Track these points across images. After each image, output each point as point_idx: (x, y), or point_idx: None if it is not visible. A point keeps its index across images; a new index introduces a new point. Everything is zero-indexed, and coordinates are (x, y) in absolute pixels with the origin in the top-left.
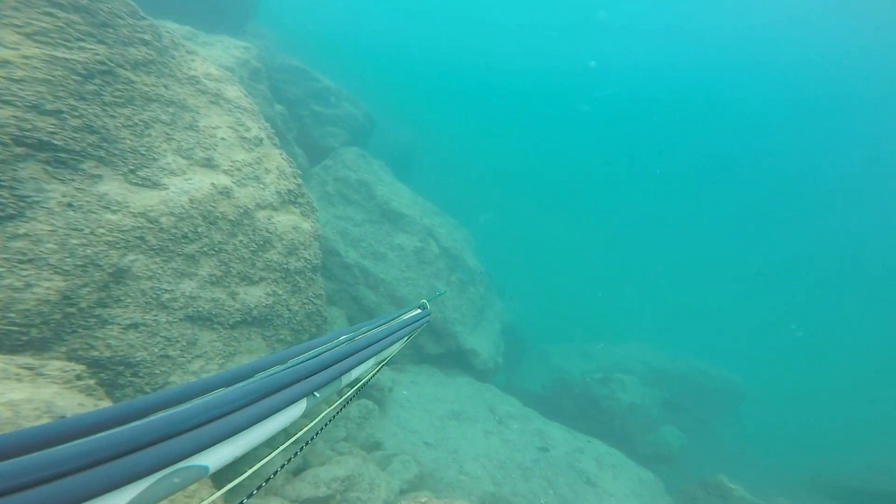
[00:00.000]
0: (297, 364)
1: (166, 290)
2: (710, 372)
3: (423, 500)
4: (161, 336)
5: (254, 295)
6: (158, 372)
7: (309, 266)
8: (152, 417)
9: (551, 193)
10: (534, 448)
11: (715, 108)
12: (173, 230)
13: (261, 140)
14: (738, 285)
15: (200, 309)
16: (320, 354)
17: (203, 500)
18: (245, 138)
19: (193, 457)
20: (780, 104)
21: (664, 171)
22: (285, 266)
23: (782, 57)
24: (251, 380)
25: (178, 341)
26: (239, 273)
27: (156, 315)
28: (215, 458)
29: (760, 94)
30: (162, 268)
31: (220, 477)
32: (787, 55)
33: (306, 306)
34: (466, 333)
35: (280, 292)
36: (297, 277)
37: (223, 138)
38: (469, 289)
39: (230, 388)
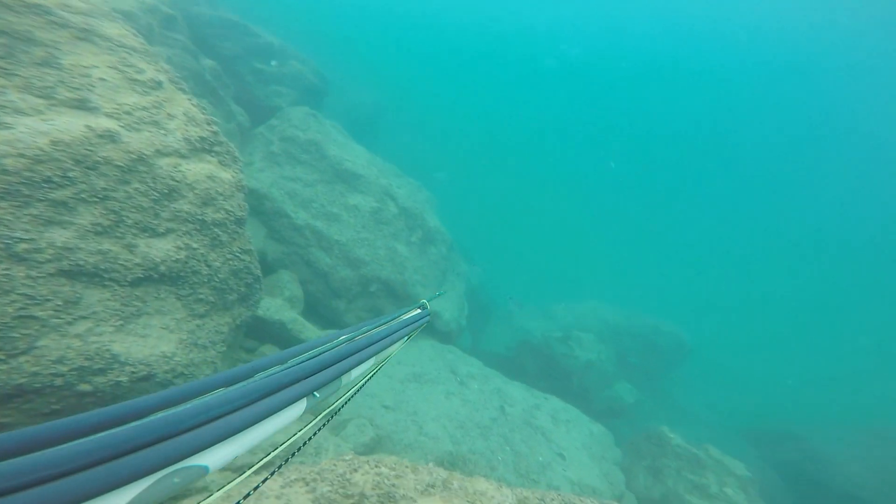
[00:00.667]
0: (297, 364)
1: (22, 240)
2: (661, 327)
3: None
4: (18, 294)
5: (160, 248)
6: (18, 335)
7: (231, 218)
8: (152, 417)
9: (518, 154)
10: (493, 407)
11: (677, 72)
12: (27, 173)
13: (160, 83)
14: (696, 247)
15: (82, 263)
16: (320, 354)
17: (203, 500)
18: (137, 80)
19: (193, 457)
20: (742, 72)
21: (628, 133)
22: (200, 217)
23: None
24: (251, 380)
25: (48, 300)
26: (137, 223)
27: (6, 268)
28: (215, 458)
29: (724, 58)
30: (13, 214)
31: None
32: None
33: (231, 262)
34: (428, 294)
35: (195, 246)
36: (216, 230)
37: (103, 79)
38: (431, 249)
39: (230, 388)
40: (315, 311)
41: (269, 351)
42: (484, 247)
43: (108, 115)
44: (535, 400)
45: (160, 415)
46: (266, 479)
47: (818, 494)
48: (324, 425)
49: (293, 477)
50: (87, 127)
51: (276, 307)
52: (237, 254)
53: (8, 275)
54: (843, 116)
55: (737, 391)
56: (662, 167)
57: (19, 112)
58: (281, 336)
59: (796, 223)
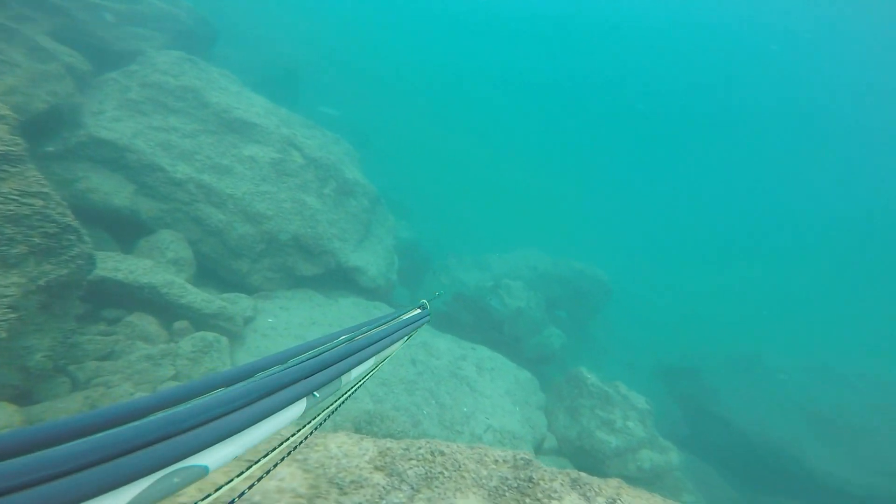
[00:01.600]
0: (297, 364)
1: None
2: (585, 271)
3: None
4: None
5: None
6: None
7: None
8: (152, 417)
9: (454, 108)
10: (418, 362)
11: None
12: None
13: None
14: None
15: None
16: (320, 354)
17: (203, 500)
18: None
19: (193, 457)
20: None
21: (562, 81)
22: None
23: None
24: (251, 380)
25: None
26: None
27: None
28: (215, 458)
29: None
30: None
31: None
32: None
33: (5, 207)
34: (349, 250)
35: None
36: None
37: None
38: (349, 202)
39: (230, 388)
40: (214, 273)
41: (140, 320)
42: (423, 203)
43: None
44: (462, 351)
45: (160, 415)
46: (261, 477)
47: (706, 421)
48: (321, 424)
49: None
50: None
51: (144, 269)
52: (14, 197)
53: None
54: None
55: (653, 331)
56: (594, 116)
57: None
58: (154, 302)
59: (710, 167)
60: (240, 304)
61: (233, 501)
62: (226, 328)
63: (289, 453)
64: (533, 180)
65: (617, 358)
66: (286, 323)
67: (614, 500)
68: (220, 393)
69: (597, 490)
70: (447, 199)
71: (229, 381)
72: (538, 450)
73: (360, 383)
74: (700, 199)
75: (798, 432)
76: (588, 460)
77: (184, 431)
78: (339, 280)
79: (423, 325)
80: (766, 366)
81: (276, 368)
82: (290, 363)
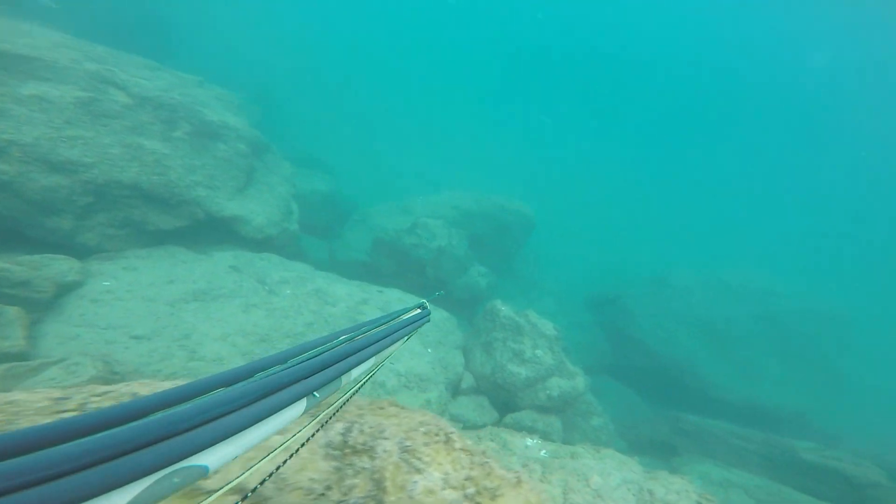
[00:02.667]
0: (297, 364)
1: None
2: (507, 205)
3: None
4: None
5: None
6: None
7: None
8: (152, 417)
9: (372, 60)
10: (309, 311)
11: None
12: None
13: None
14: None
15: None
16: (320, 354)
17: (202, 501)
18: None
19: (193, 457)
20: None
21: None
22: None
23: None
24: (251, 380)
25: None
26: None
27: None
28: (215, 458)
29: None
30: None
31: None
32: None
33: None
34: (222, 199)
35: None
36: None
37: None
38: (216, 146)
39: (230, 388)
40: (20, 235)
41: None
42: (352, 157)
43: None
44: (365, 294)
45: (160, 415)
46: (264, 480)
47: (626, 346)
48: (323, 425)
49: None
50: None
51: None
52: None
53: None
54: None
55: (583, 264)
56: (507, 56)
57: None
58: None
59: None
60: (52, 267)
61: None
62: (23, 296)
63: (291, 456)
64: (460, 126)
65: (545, 288)
66: (130, 285)
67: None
68: (220, 393)
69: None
70: (377, 153)
71: (229, 381)
72: (455, 390)
73: (361, 384)
74: (612, 136)
75: (696, 347)
76: (503, 395)
77: (184, 431)
78: (216, 232)
79: (423, 324)
80: (674, 286)
81: (276, 368)
82: (290, 363)
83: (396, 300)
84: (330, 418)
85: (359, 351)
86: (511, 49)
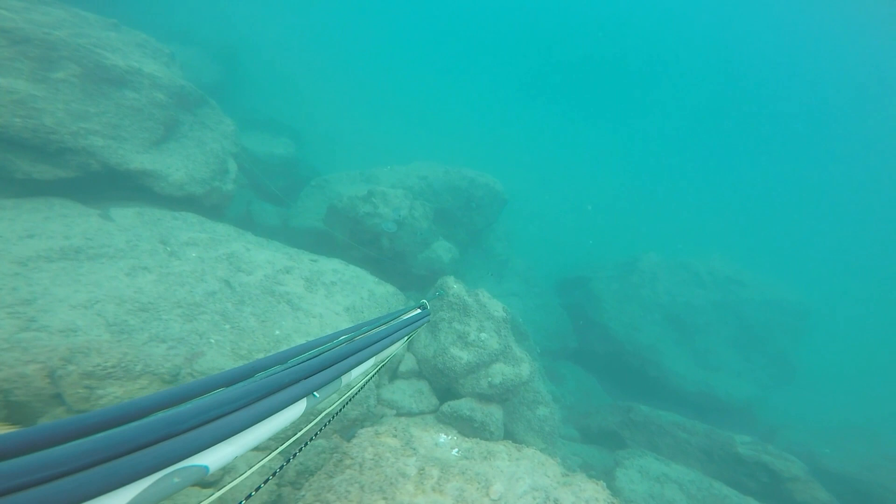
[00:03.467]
0: (297, 364)
1: None
2: (477, 179)
3: None
4: None
5: None
6: None
7: None
8: (152, 417)
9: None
10: (215, 279)
11: None
12: None
13: None
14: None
15: None
16: (320, 354)
17: (203, 500)
18: None
19: (193, 457)
20: None
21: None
22: None
23: None
24: (251, 380)
25: None
26: None
27: None
28: (215, 458)
29: None
30: None
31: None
32: None
33: None
34: (130, 151)
35: None
36: None
37: None
38: (122, 93)
39: (230, 388)
40: None
41: None
42: (322, 125)
43: None
44: (289, 262)
45: (160, 415)
46: (267, 479)
47: (590, 331)
48: (325, 425)
49: None
50: None
51: None
52: None
53: None
54: None
55: (554, 244)
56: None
57: None
58: None
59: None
60: None
61: (241, 503)
62: None
63: (294, 455)
64: (436, 98)
65: (514, 270)
66: None
67: None
68: (220, 393)
69: None
70: (359, 128)
71: (229, 381)
72: (393, 374)
73: (363, 385)
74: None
75: (659, 335)
76: (443, 380)
77: (184, 431)
78: (121, 188)
79: (423, 324)
80: (642, 271)
81: (277, 368)
82: (290, 363)
83: (330, 271)
84: (332, 419)
85: (358, 351)
86: (498, 34)
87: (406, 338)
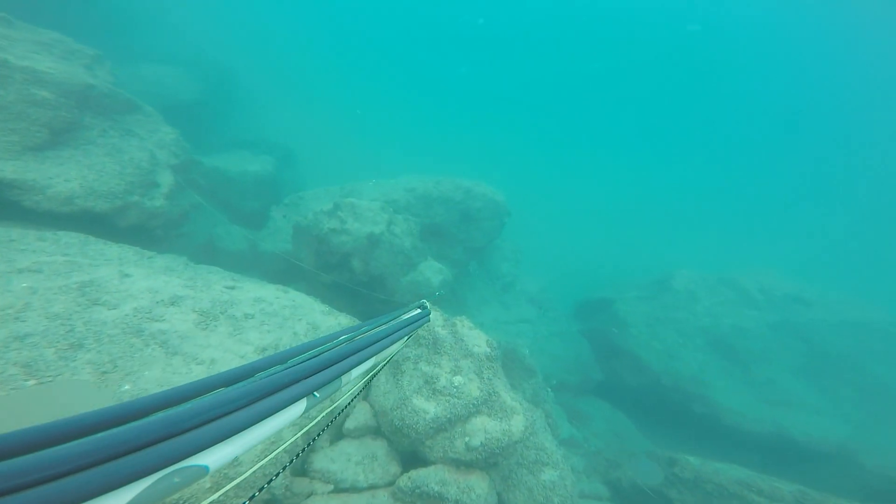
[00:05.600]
0: (297, 364)
1: None
2: (474, 189)
3: None
4: None
5: None
6: None
7: None
8: (152, 417)
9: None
10: (43, 315)
11: None
12: None
13: None
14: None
15: None
16: (320, 354)
17: (203, 500)
18: None
19: (193, 457)
20: None
21: None
22: None
23: None
24: (251, 380)
25: None
26: None
27: None
28: (215, 458)
29: None
30: None
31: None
32: None
33: None
34: None
35: None
36: None
37: None
38: None
39: (230, 388)
40: None
41: None
42: (314, 142)
43: None
44: (183, 291)
45: (160, 415)
46: (271, 480)
47: (616, 360)
48: (328, 426)
49: None
50: None
51: None
52: None
53: None
54: None
55: (570, 262)
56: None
57: None
58: None
59: None
60: None
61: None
62: None
63: (297, 455)
64: (436, 112)
65: (526, 294)
66: None
67: None
68: (220, 393)
69: None
70: (346, 139)
71: (229, 381)
72: (339, 432)
73: (363, 386)
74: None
75: (704, 365)
76: (404, 441)
77: (184, 431)
78: None
79: (423, 324)
80: (676, 290)
81: (276, 368)
82: (290, 363)
83: (250, 301)
84: (334, 419)
85: (358, 351)
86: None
87: (407, 337)
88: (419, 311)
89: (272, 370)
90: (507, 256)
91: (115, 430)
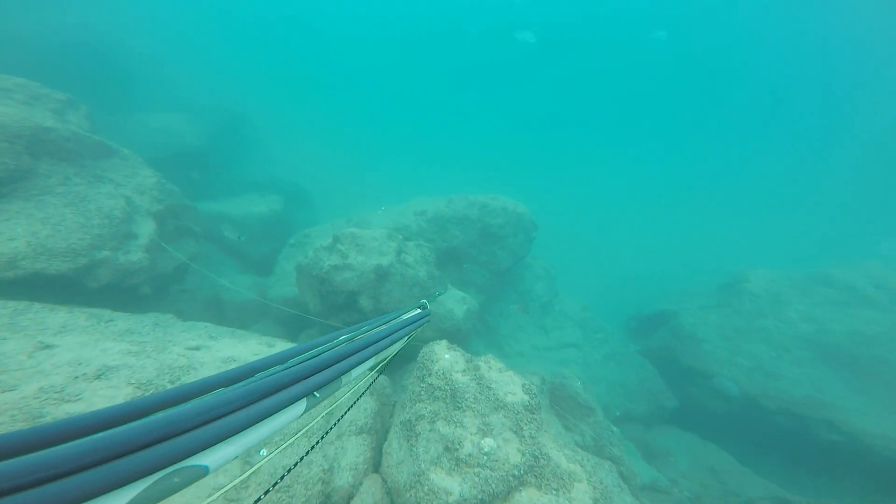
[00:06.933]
0: (297, 364)
1: None
2: (491, 204)
3: None
4: None
5: None
6: None
7: None
8: (152, 417)
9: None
10: None
11: None
12: None
13: None
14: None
15: None
16: (320, 354)
17: (204, 500)
18: None
19: (193, 457)
20: None
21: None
22: None
23: None
24: (251, 380)
25: None
26: None
27: None
28: (215, 458)
29: None
30: None
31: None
32: None
33: None
34: None
35: None
36: None
37: None
38: None
39: (230, 388)
40: None
41: None
42: (327, 179)
43: None
44: (111, 360)
45: (160, 415)
46: (276, 483)
47: (693, 383)
48: (332, 427)
49: None
50: None
51: None
52: None
53: None
54: None
55: (612, 274)
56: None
57: None
58: None
59: None
60: None
61: (258, 500)
62: None
63: (307, 453)
64: (448, 132)
65: (567, 315)
66: None
67: None
68: (220, 393)
69: None
70: (357, 171)
71: (229, 381)
72: None
73: (368, 386)
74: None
75: (818, 380)
76: None
77: (184, 432)
78: None
79: (423, 325)
80: (754, 294)
81: (276, 368)
82: (289, 363)
83: (218, 362)
84: (338, 419)
85: (358, 351)
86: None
87: (406, 337)
88: (419, 310)
89: (272, 370)
90: (539, 275)
91: (115, 430)
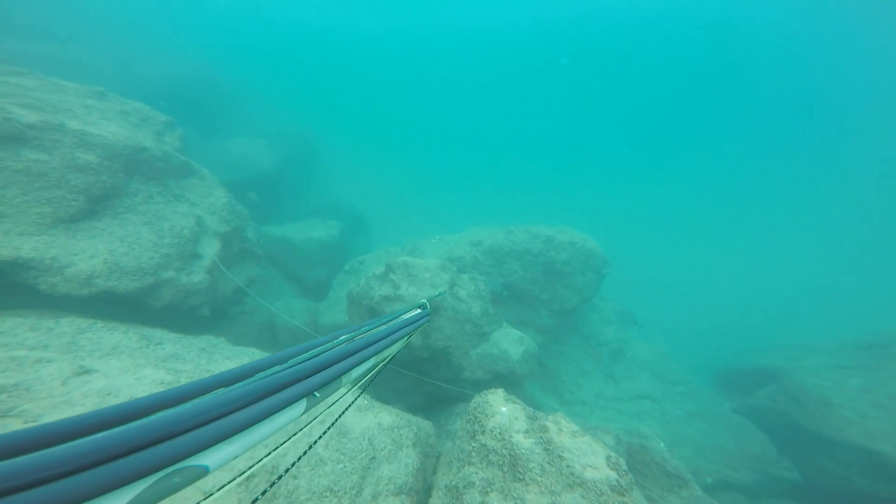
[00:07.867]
0: (297, 364)
1: None
2: (556, 238)
3: None
4: None
5: None
6: None
7: None
8: (152, 417)
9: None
10: None
11: None
12: None
13: None
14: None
15: None
16: (320, 354)
17: (204, 500)
18: None
19: (193, 457)
20: None
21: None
22: None
23: None
24: (251, 380)
25: None
26: None
27: None
28: (215, 458)
29: None
30: None
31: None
32: None
33: None
34: (9, 232)
35: None
36: None
37: None
38: (20, 154)
39: (230, 388)
40: None
41: None
42: (390, 202)
43: None
44: (145, 389)
45: (160, 415)
46: (274, 482)
47: (822, 453)
48: (329, 427)
49: None
50: None
51: None
52: None
53: None
54: None
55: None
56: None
57: None
58: None
59: None
60: None
61: (255, 500)
62: None
63: (305, 453)
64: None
65: (642, 363)
66: None
67: None
68: (220, 393)
69: None
70: (419, 201)
71: (229, 381)
72: None
73: (366, 386)
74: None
75: None
76: None
77: (184, 432)
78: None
79: (423, 325)
80: None
81: (276, 368)
82: (289, 363)
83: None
84: (337, 418)
85: (359, 351)
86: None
87: (406, 337)
88: (419, 310)
89: (272, 370)
90: (609, 318)
91: (115, 430)
